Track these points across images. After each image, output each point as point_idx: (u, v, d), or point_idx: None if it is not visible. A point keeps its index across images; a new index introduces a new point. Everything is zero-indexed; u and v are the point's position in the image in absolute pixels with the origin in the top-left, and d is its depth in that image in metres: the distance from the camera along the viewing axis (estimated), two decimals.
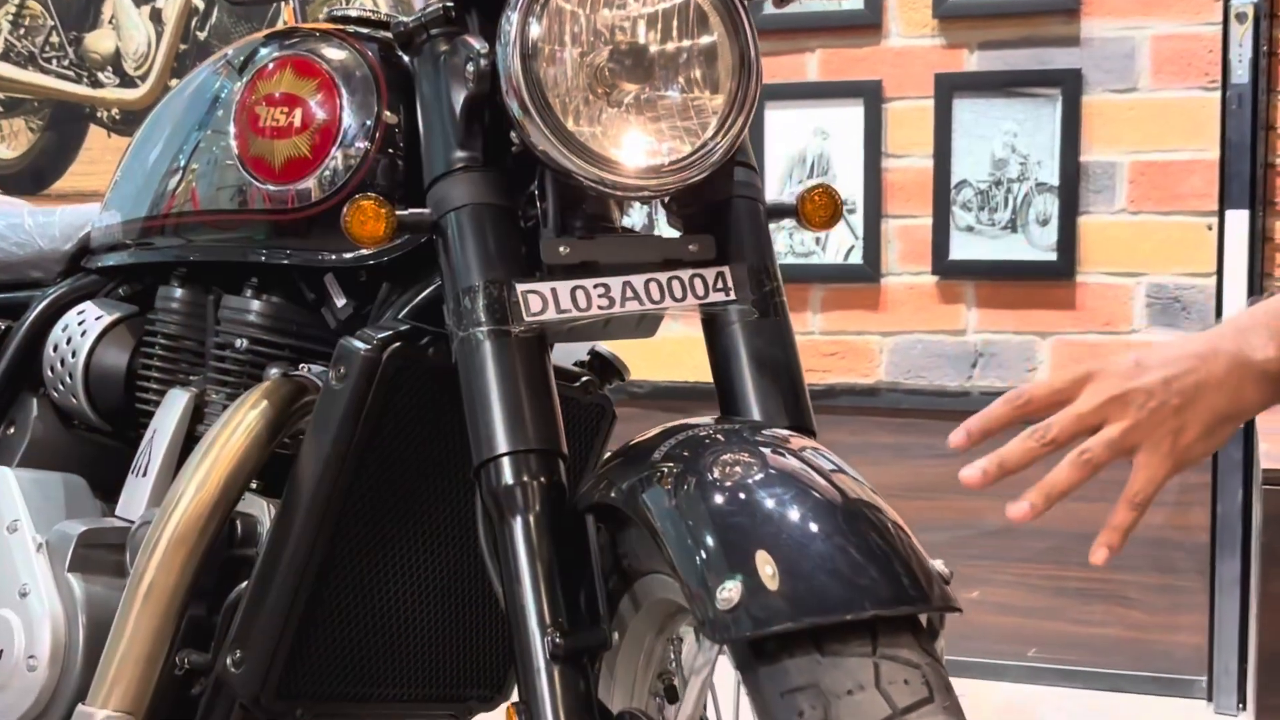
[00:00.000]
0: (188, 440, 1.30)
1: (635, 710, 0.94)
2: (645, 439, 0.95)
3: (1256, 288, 2.53)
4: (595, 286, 1.03)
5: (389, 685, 1.21)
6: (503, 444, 0.97)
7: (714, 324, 1.08)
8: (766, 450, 0.87)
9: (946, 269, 2.72)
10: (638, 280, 1.05)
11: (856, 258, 2.77)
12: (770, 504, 0.80)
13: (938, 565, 0.79)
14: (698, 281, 1.06)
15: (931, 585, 0.78)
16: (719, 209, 1.11)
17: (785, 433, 0.93)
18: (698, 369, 3.07)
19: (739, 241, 1.09)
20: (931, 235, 2.72)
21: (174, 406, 1.31)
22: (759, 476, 0.83)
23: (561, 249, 1.04)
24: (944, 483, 2.72)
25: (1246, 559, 2.54)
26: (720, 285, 1.07)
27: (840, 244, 2.77)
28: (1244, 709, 2.52)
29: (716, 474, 0.84)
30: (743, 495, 0.82)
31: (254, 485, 1.21)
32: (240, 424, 1.16)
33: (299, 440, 1.17)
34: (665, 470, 0.87)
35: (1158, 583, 2.64)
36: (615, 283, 1.04)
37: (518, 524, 0.96)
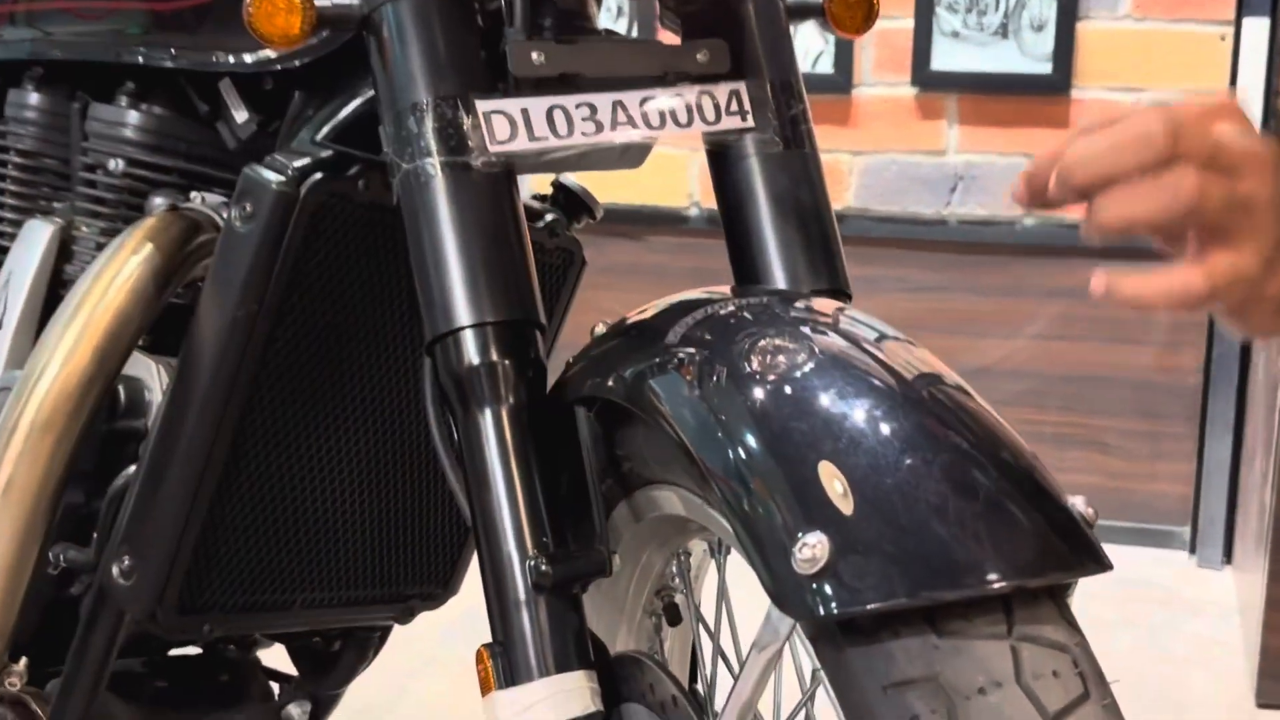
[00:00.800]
0: (53, 283, 1.10)
1: (638, 653, 0.79)
2: (648, 316, 0.76)
3: (1271, 107, 2.38)
4: (578, 107, 0.84)
5: (316, 589, 1.04)
6: (464, 314, 0.78)
7: (725, 157, 0.90)
8: (808, 329, 0.70)
9: (927, 80, 2.52)
10: (631, 99, 0.85)
11: (826, 65, 2.57)
12: (840, 409, 0.63)
13: (1076, 504, 0.63)
14: (706, 101, 0.87)
15: (1079, 537, 0.62)
16: (730, 6, 0.91)
17: (830, 304, 0.75)
18: (647, 190, 2.87)
19: (756, 50, 0.90)
20: (912, 41, 2.51)
21: (34, 241, 1.12)
22: (810, 368, 0.66)
23: (535, 56, 0.84)
24: (916, 320, 2.58)
25: (1241, 403, 2.45)
26: (735, 107, 0.88)
27: (807, 49, 2.56)
28: (1229, 563, 2.47)
29: (755, 365, 0.67)
30: (790, 390, 0.65)
31: (140, 342, 1.02)
32: (120, 271, 0.97)
33: (195, 289, 0.98)
34: (684, 358, 0.70)
35: (1141, 428, 2.55)
36: (603, 102, 0.84)
37: (487, 418, 0.78)
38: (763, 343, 0.69)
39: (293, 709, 1.18)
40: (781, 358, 0.68)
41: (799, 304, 0.75)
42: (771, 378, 0.66)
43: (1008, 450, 0.63)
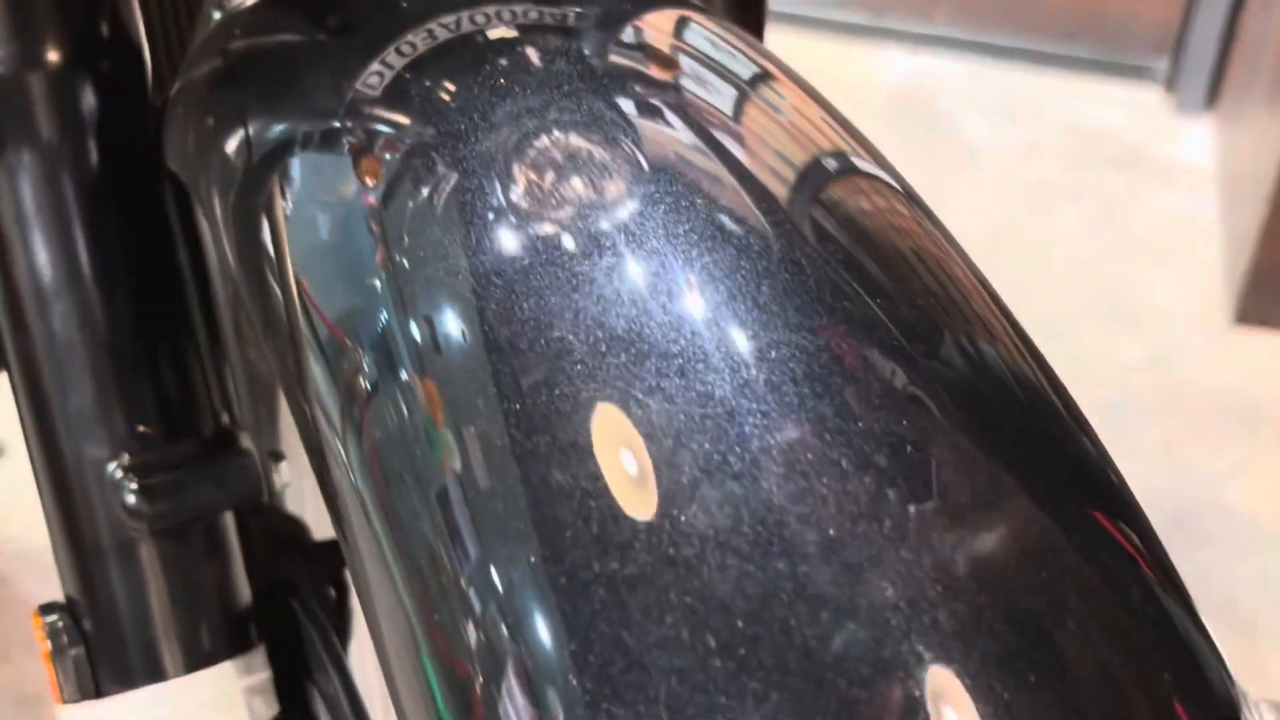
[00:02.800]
0: None
1: (307, 610, 0.48)
2: (327, 13, 0.42)
3: None
4: None
5: None
6: None
7: None
8: (633, 105, 0.36)
9: None
10: None
11: None
12: (672, 318, 0.31)
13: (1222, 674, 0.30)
14: None
15: None
16: None
17: (672, 10, 0.41)
18: None
19: None
20: None
21: None
22: (626, 214, 0.34)
23: None
24: None
25: None
26: None
27: None
28: (1212, 108, 2.20)
29: (518, 191, 0.34)
30: (577, 250, 0.33)
31: None
32: None
33: None
34: (373, 141, 0.36)
35: None
36: None
37: (23, 160, 0.44)
38: (544, 142, 0.36)
39: None
40: (575, 182, 0.35)
41: (628, 34, 0.40)
42: (545, 229, 0.34)
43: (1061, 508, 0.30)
